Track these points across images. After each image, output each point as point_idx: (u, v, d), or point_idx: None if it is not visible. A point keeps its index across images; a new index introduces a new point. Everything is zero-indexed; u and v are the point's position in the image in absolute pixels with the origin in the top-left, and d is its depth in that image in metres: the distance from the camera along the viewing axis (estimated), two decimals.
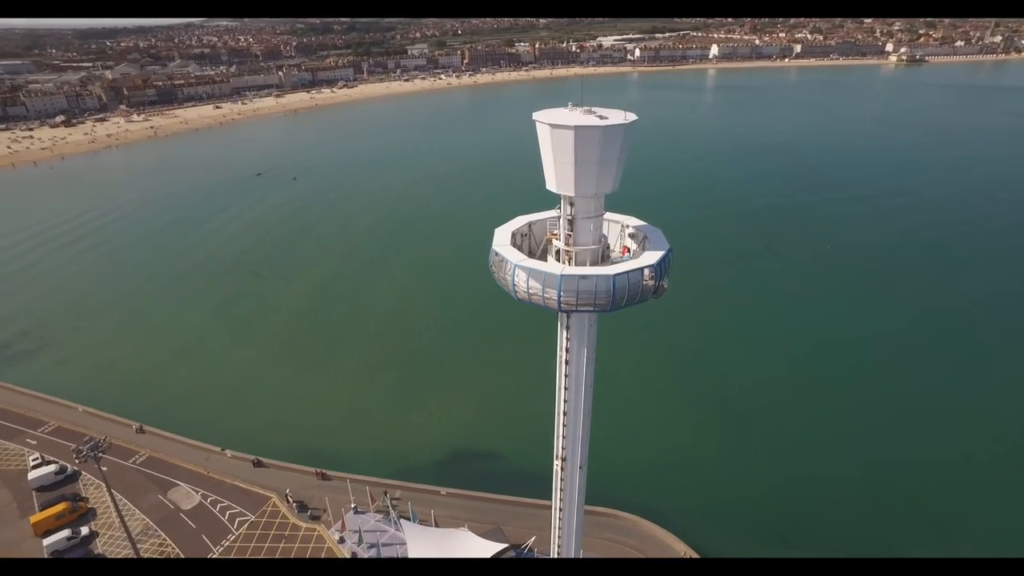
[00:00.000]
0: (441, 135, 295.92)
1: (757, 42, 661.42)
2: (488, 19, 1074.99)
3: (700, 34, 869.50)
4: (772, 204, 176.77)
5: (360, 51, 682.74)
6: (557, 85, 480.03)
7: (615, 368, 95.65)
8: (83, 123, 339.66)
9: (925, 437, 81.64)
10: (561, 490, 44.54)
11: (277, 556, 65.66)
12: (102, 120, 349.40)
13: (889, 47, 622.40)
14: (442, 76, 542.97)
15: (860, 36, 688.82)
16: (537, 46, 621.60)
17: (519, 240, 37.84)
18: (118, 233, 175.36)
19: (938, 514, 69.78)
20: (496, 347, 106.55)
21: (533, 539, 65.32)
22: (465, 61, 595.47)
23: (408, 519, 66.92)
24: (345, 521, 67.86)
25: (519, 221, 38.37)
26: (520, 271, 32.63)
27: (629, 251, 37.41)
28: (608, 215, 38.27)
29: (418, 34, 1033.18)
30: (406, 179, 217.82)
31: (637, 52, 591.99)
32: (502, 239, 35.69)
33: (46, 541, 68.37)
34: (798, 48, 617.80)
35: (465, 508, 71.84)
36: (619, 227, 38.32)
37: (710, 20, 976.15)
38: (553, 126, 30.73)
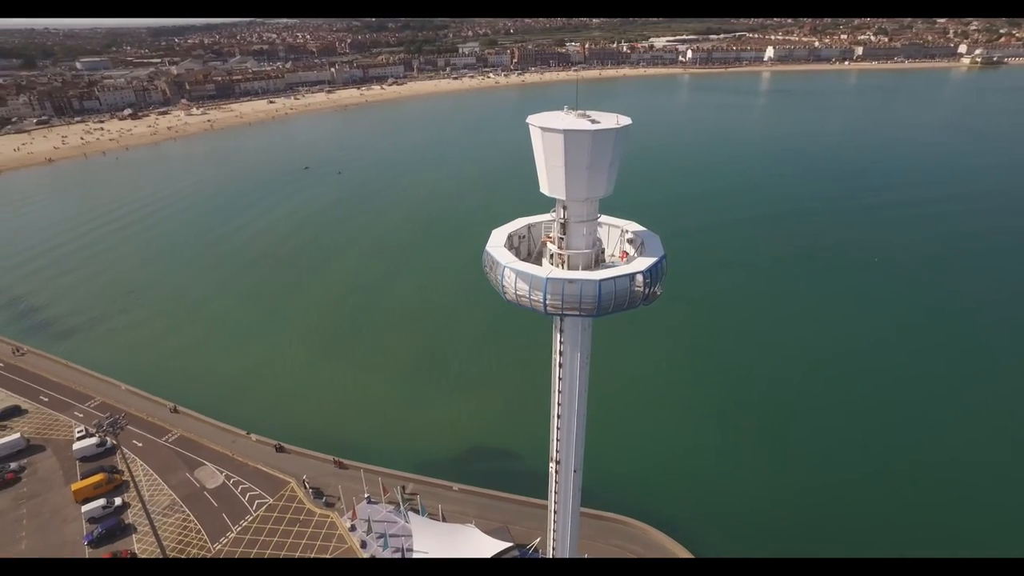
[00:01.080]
0: (482, 134, 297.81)
1: (816, 44, 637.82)
2: (541, 19, 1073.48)
3: (756, 35, 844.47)
4: (811, 208, 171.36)
5: (412, 49, 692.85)
6: (604, 86, 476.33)
7: (637, 371, 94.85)
8: (147, 116, 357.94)
9: (940, 440, 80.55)
10: (556, 492, 44.51)
11: (290, 540, 67.87)
12: (164, 113, 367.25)
13: (962, 48, 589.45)
14: (490, 75, 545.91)
15: (930, 37, 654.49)
16: (587, 46, 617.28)
17: (517, 242, 38.04)
18: (168, 219, 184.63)
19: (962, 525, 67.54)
20: (518, 347, 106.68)
21: (538, 540, 65.29)
22: (514, 60, 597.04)
23: (417, 512, 68.07)
24: (356, 510, 69.50)
25: (519, 223, 38.55)
26: (509, 272, 32.85)
27: (628, 256, 37.10)
28: (607, 219, 38.12)
29: (470, 32, 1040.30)
30: (444, 176, 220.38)
31: (689, 53, 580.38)
32: (497, 240, 35.95)
33: (84, 508, 72.90)
34: (859, 51, 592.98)
35: (475, 505, 72.46)
36: (619, 232, 38.04)
37: (768, 21, 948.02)
38: (544, 129, 30.82)
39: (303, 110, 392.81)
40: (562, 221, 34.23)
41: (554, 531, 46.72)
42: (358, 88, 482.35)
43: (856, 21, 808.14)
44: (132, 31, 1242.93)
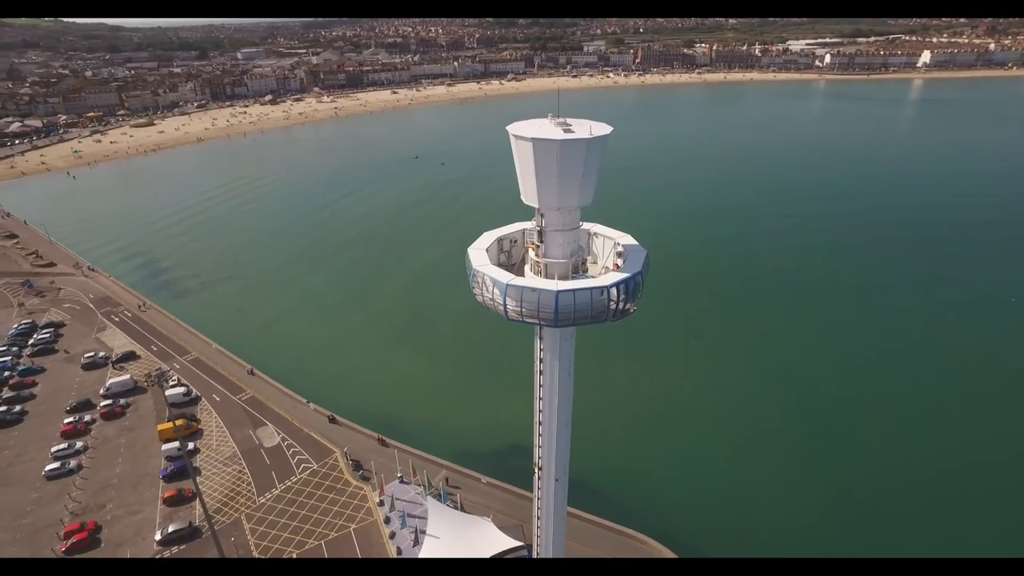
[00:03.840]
0: None
1: (991, 46, 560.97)
2: (673, 18, 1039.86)
3: (915, 38, 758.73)
4: (933, 232, 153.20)
5: (537, 45, 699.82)
6: (729, 90, 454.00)
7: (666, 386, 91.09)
8: (284, 102, 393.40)
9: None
10: (539, 499, 44.42)
11: (324, 504, 72.74)
12: (299, 100, 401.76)
13: None
14: (610, 74, 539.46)
15: None
16: (714, 48, 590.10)
17: (508, 246, 38.38)
18: (284, 197, 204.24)
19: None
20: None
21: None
22: (637, 60, 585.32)
23: (439, 497, 70.25)
24: (384, 487, 73.01)
25: (513, 227, 38.78)
26: (478, 274, 33.35)
27: (618, 268, 36.16)
28: (602, 230, 37.48)
29: (599, 31, 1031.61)
30: None
31: (827, 58, 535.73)
32: (483, 242, 36.54)
33: (164, 447, 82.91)
34: None
35: (499, 500, 73.41)
36: (612, 243, 37.13)
37: (932, 21, 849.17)
38: (516, 137, 30.95)
39: (423, 102, 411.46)
40: (539, 229, 34.11)
41: (538, 536, 46.59)
42: (477, 83, 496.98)
43: None
44: (288, 24, 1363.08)
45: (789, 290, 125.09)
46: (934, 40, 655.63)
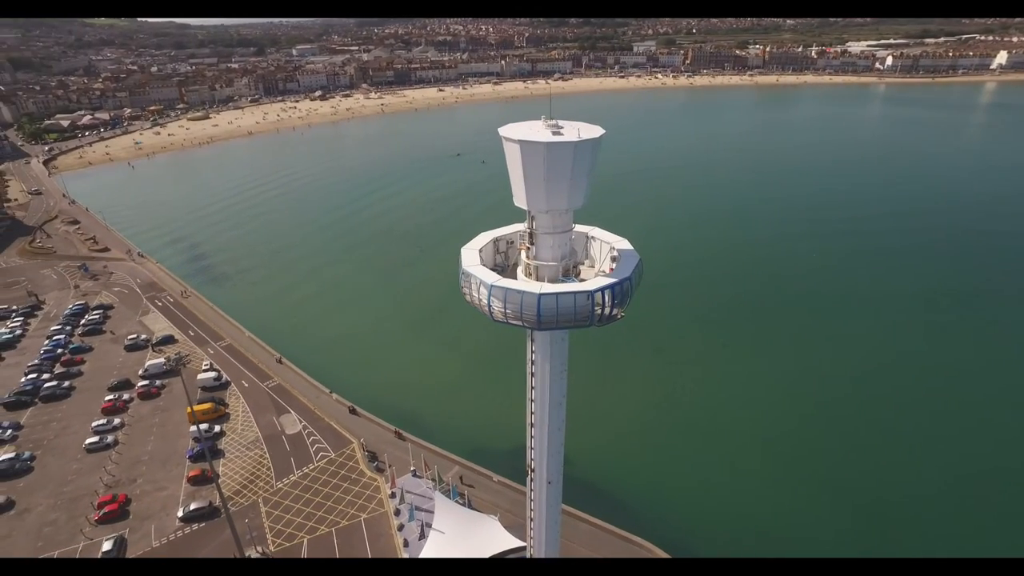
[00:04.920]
0: (630, 135, 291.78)
1: None
2: (728, 19, 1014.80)
3: (992, 38, 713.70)
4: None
5: (586, 45, 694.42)
6: (780, 93, 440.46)
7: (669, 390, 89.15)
8: (333, 97, 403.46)
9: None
10: (532, 500, 44.36)
11: (337, 493, 74.48)
12: (347, 96, 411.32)
13: None
14: (658, 75, 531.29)
15: None
16: (767, 49, 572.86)
17: (505, 246, 38.45)
18: (322, 189, 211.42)
19: None
20: (597, 362, 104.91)
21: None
22: (687, 61, 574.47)
23: (448, 493, 70.93)
24: (396, 480, 74.21)
25: (512, 228, 38.79)
26: (466, 274, 33.55)
27: (612, 272, 35.78)
28: (598, 233, 37.10)
29: (650, 31, 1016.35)
30: None
31: (889, 60, 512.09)
32: (477, 243, 36.70)
33: (191, 428, 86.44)
34: None
35: (509, 499, 73.50)
36: (608, 248, 36.74)
37: (1013, 20, 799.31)
38: (505, 139, 30.99)
39: (468, 100, 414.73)
40: (530, 231, 34.07)
41: (531, 538, 46.54)
42: (523, 81, 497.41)
43: None
44: (342, 21, 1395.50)
45: (821, 300, 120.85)
46: (1014, 40, 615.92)
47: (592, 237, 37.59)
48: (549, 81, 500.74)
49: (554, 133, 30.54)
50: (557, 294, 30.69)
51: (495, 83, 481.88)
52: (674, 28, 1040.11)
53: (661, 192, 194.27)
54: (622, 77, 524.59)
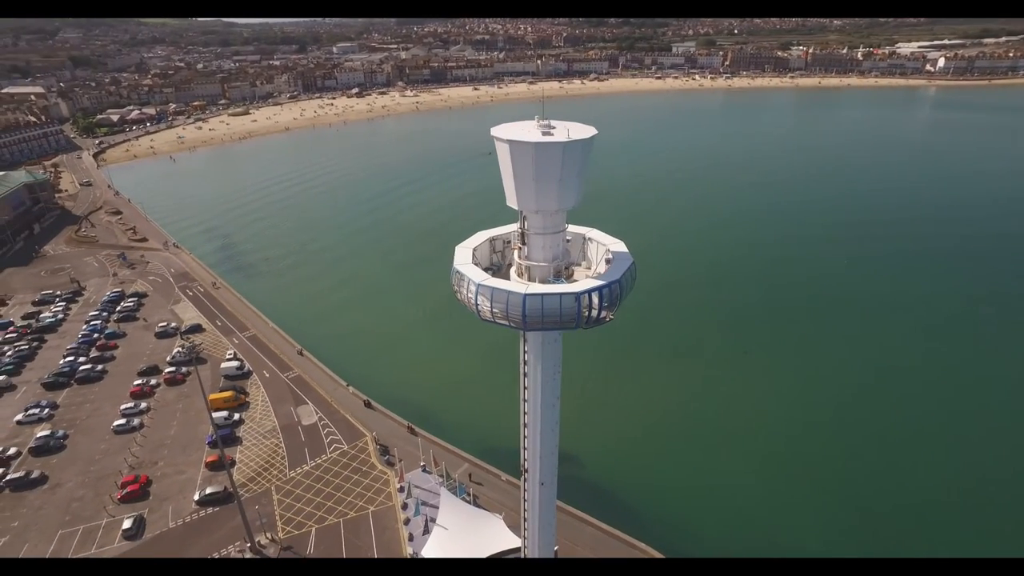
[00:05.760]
0: (661, 137, 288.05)
1: None
2: (771, 19, 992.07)
3: None
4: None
5: (624, 45, 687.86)
6: (821, 96, 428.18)
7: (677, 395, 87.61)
8: (369, 95, 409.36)
9: None
10: (526, 501, 44.34)
11: (347, 484, 75.67)
12: (383, 93, 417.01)
13: None
14: (696, 76, 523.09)
15: None
16: (810, 51, 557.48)
17: (501, 246, 38.54)
18: (352, 184, 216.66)
19: None
20: (607, 361, 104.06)
21: (556, 548, 64.49)
22: (726, 63, 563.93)
23: (455, 491, 71.34)
24: (404, 474, 75.01)
25: (508, 228, 38.86)
26: (456, 272, 33.76)
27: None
28: (595, 235, 36.95)
29: (690, 32, 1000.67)
30: (608, 177, 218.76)
31: (941, 62, 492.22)
32: (472, 242, 36.91)
33: (214, 414, 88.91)
34: None
35: (516, 499, 72.29)
36: (604, 249, 36.50)
37: None
38: (496, 139, 31.07)
39: (502, 99, 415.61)
40: (522, 231, 34.06)
41: (525, 538, 46.51)
42: (559, 81, 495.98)
43: None
44: (383, 20, 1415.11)
45: (842, 307, 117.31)
46: None
47: (589, 239, 37.39)
48: (584, 81, 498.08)
49: (544, 133, 30.46)
50: (543, 295, 30.63)
51: (530, 83, 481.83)
52: (715, 28, 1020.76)
53: (672, 196, 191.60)
54: (659, 78, 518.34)
